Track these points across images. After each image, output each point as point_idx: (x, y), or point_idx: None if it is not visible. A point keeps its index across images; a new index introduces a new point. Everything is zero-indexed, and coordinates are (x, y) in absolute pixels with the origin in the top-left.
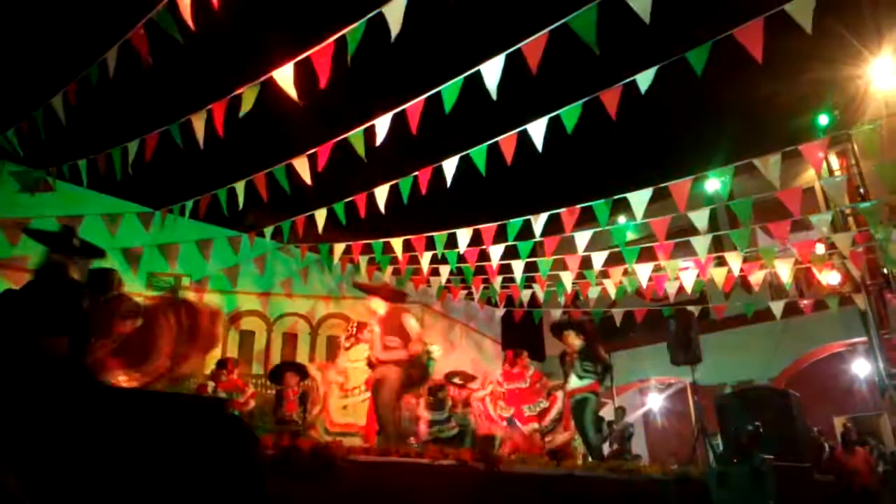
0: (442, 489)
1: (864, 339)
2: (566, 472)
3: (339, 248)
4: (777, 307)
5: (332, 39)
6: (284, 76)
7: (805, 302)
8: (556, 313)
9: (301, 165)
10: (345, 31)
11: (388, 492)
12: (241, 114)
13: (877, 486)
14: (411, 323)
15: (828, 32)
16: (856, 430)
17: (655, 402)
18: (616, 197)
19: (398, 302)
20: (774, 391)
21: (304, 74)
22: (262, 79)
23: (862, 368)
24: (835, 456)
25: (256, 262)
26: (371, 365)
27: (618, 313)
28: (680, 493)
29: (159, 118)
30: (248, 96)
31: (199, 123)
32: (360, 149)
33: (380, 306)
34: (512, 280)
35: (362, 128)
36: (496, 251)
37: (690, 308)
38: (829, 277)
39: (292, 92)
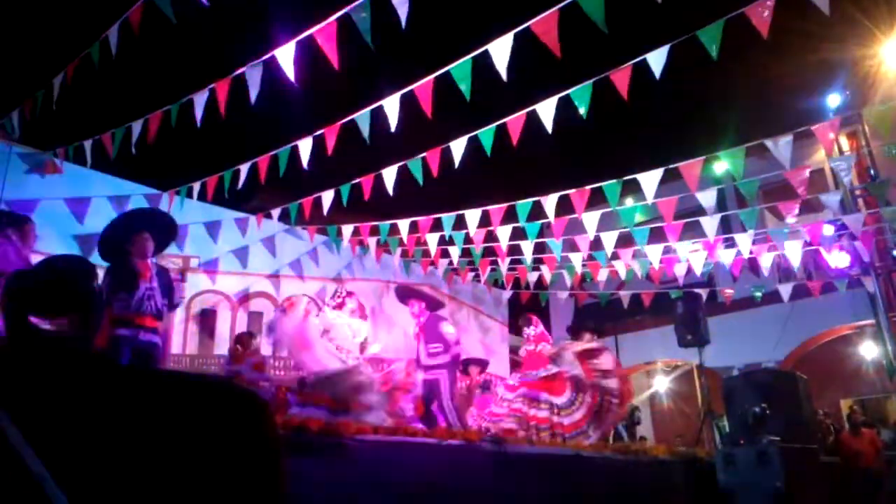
0: (449, 468)
1: (872, 321)
2: (573, 452)
3: (348, 229)
4: (785, 290)
5: (334, 17)
6: (287, 56)
7: (813, 284)
8: (563, 295)
9: (306, 147)
10: (348, 8)
11: (396, 470)
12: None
13: (882, 468)
14: (449, 329)
15: (839, 13)
16: (862, 412)
17: (662, 384)
18: (626, 178)
19: (437, 309)
20: (781, 374)
21: (308, 55)
22: (265, 58)
23: (870, 351)
24: (841, 438)
25: (265, 244)
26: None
27: (625, 295)
28: (686, 474)
29: (164, 98)
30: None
31: (200, 103)
32: (366, 130)
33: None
34: (520, 262)
35: (368, 109)
36: (504, 232)
37: (699, 291)
38: (839, 260)
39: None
